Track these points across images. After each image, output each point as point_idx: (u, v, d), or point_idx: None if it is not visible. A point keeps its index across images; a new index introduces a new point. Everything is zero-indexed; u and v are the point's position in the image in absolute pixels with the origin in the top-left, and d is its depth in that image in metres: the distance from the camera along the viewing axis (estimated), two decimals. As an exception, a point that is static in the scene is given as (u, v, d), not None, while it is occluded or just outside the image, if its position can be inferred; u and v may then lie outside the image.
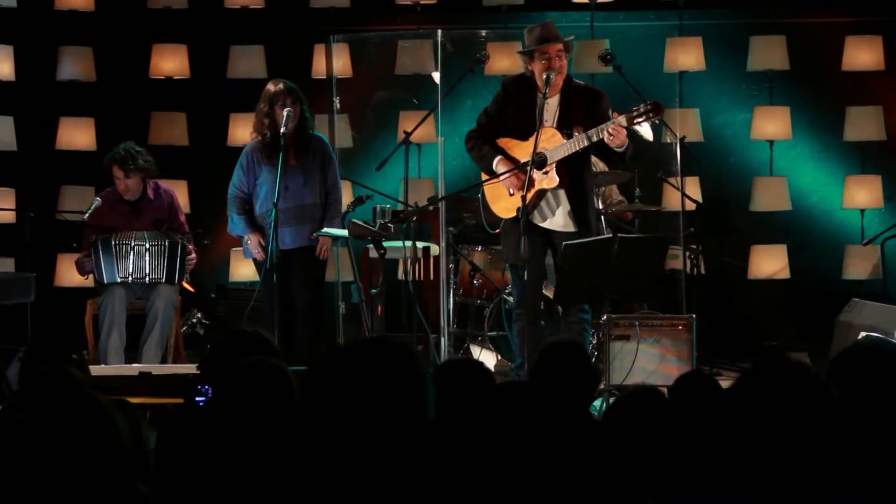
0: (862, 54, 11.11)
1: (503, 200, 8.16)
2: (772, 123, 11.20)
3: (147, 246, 9.24)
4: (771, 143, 11.24)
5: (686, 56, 11.23)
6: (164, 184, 9.73)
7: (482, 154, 8.20)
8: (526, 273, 7.75)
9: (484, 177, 8.27)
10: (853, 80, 11.20)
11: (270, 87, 8.88)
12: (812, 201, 11.45)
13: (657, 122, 7.90)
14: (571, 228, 8.05)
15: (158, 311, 9.20)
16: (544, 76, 7.94)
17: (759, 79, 11.36)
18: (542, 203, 8.08)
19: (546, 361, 5.06)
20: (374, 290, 8.62)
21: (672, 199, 10.53)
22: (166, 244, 9.26)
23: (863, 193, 11.09)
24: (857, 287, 10.60)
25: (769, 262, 11.11)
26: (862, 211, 11.11)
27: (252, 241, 8.91)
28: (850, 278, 10.98)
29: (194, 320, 11.04)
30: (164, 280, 9.25)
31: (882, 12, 11.17)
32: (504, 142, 8.22)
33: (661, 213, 10.60)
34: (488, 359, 9.72)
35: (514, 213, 8.00)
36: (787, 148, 11.37)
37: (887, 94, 11.19)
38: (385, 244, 8.19)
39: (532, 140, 7.88)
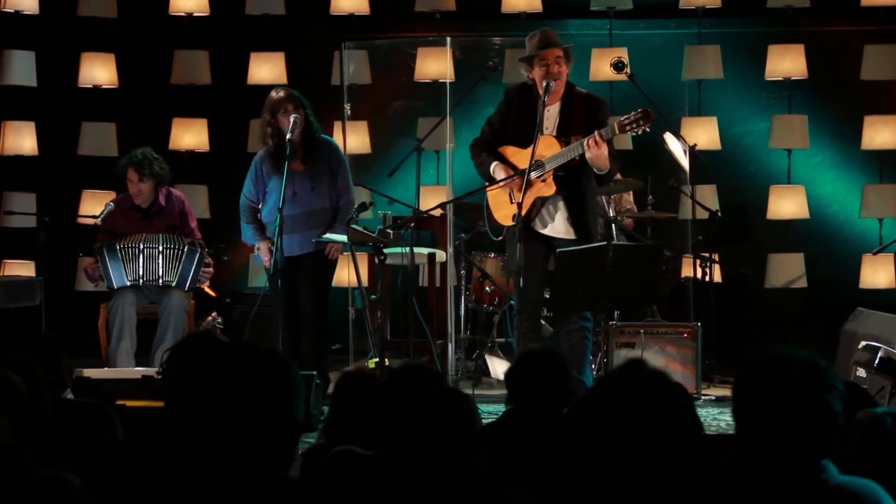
0: (881, 63, 11.05)
1: (504, 208, 8.19)
2: (790, 132, 11.16)
3: (161, 248, 9.29)
4: (789, 151, 11.20)
5: (705, 64, 11.21)
6: (176, 190, 9.79)
7: (480, 161, 8.27)
8: (522, 280, 7.75)
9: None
10: (872, 89, 11.14)
11: (272, 95, 8.94)
12: (832, 210, 11.40)
13: (647, 129, 7.87)
14: (572, 235, 8.06)
15: (170, 317, 9.25)
16: (544, 83, 7.97)
17: (777, 87, 11.33)
18: (543, 210, 8.10)
19: (521, 369, 5.07)
20: (373, 297, 8.66)
21: (688, 207, 10.50)
22: (185, 249, 9.31)
23: (881, 202, 11.03)
24: (875, 297, 10.53)
25: (786, 271, 11.06)
26: (880, 220, 11.06)
27: (262, 248, 9.00)
28: (867, 288, 10.91)
29: (216, 325, 11.08)
30: (174, 283, 9.30)
31: (901, 21, 11.12)
32: (505, 150, 8.26)
33: (675, 220, 10.59)
34: (500, 365, 9.74)
35: (513, 221, 8.02)
36: (805, 157, 11.32)
37: (906, 103, 11.14)
38: (388, 251, 8.21)
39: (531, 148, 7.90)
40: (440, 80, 11.00)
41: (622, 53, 10.69)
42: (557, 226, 8.09)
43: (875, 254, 10.30)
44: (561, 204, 8.09)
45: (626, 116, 7.86)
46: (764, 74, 11.21)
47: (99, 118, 11.53)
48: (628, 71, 8.92)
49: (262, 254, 9.01)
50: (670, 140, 9.83)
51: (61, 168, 11.55)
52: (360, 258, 9.36)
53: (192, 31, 11.71)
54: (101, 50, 11.57)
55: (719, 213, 10.04)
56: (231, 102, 11.63)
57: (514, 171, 8.08)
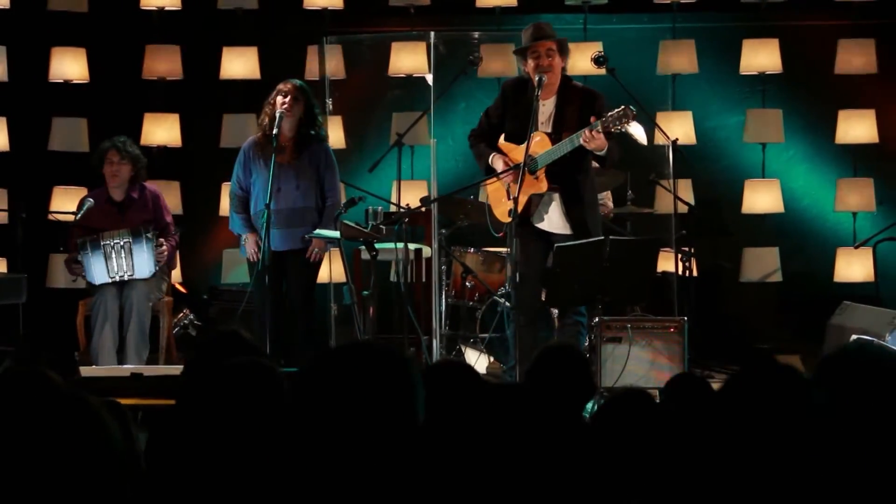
0: (854, 57, 11.12)
1: (503, 205, 8.18)
2: (764, 126, 11.21)
3: (122, 243, 9.18)
4: (763, 145, 11.25)
5: (679, 58, 11.24)
6: (150, 184, 9.68)
7: (479, 152, 8.26)
8: (518, 274, 7.74)
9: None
10: (846, 84, 11.21)
11: (280, 84, 8.90)
12: (804, 204, 11.46)
13: (627, 127, 7.88)
14: (569, 231, 8.06)
15: (132, 306, 9.11)
16: (536, 77, 7.95)
17: (751, 81, 11.38)
18: (540, 206, 8.09)
19: (543, 365, 5.05)
20: (365, 292, 8.61)
21: (664, 202, 10.51)
22: (131, 239, 9.18)
23: (855, 196, 11.10)
24: (849, 290, 10.58)
25: (761, 265, 11.11)
26: (854, 214, 11.12)
27: (249, 240, 8.94)
28: (842, 281, 10.98)
29: (186, 321, 10.99)
30: (136, 275, 9.18)
31: (875, 16, 11.18)
32: (501, 146, 8.23)
33: (654, 215, 10.61)
34: (480, 361, 9.72)
35: (510, 217, 8.00)
36: (779, 151, 11.37)
37: (879, 97, 11.20)
38: (377, 245, 8.18)
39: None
40: (415, 75, 11.00)
41: (597, 48, 10.66)
42: (554, 221, 8.08)
43: (857, 247, 10.37)
44: (557, 199, 8.08)
45: (609, 115, 7.85)
46: (738, 69, 11.26)
47: (70, 113, 11.38)
48: (609, 65, 8.90)
49: (249, 246, 8.95)
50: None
51: (32, 164, 11.41)
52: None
53: (163, 25, 11.59)
54: (72, 44, 11.43)
55: (697, 211, 10.06)
56: (203, 97, 11.54)
57: (508, 168, 8.05)
